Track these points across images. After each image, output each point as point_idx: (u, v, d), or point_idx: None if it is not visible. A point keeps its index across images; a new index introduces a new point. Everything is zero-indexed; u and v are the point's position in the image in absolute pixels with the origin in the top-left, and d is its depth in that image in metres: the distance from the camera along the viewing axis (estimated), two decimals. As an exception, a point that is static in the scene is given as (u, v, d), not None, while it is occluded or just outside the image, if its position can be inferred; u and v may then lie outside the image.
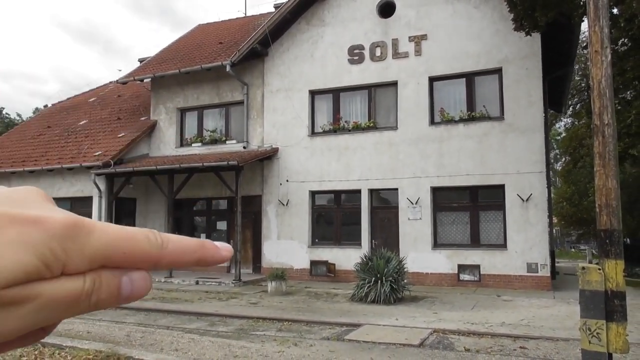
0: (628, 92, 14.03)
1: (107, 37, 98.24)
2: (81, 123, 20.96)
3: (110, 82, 25.12)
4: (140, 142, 18.58)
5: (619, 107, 13.53)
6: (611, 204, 5.14)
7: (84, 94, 25.29)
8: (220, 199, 18.14)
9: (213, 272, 16.93)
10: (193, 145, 18.39)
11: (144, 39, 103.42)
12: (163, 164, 16.09)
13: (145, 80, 19.48)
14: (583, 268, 5.26)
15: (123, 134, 18.69)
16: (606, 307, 5.06)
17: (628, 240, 25.91)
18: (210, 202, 18.51)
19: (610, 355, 5.07)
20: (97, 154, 17.54)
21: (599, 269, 5.16)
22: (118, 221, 17.57)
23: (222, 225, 18.17)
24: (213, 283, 14.89)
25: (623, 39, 12.51)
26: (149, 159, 18.11)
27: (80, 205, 17.65)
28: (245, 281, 14.93)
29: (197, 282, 15.05)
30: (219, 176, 15.46)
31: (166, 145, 18.79)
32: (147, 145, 19.00)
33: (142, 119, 19.65)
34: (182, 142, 18.83)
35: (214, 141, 18.14)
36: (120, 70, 55.87)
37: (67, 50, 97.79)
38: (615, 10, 11.94)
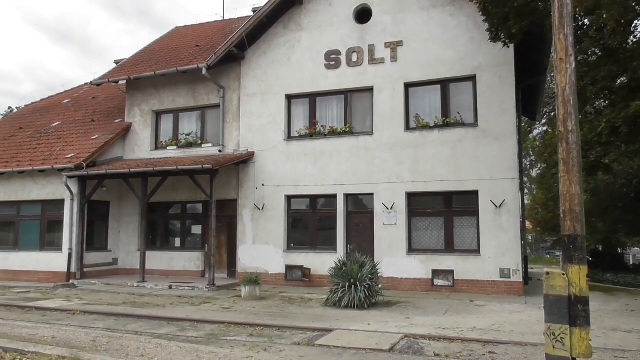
0: (599, 102, 14.20)
1: (83, 38, 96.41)
2: (54, 125, 20.56)
3: (85, 84, 24.71)
4: (114, 144, 18.29)
5: (592, 116, 13.70)
6: (575, 209, 5.19)
7: (58, 95, 24.84)
8: (195, 203, 17.94)
9: (187, 277, 16.72)
10: (168, 148, 18.17)
11: (121, 40, 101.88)
12: (137, 167, 15.85)
13: (120, 82, 19.22)
14: (547, 273, 5.31)
15: (97, 136, 18.38)
16: (569, 312, 5.10)
17: (600, 247, 26.13)
18: (185, 206, 18.29)
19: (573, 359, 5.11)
20: (69, 156, 17.21)
21: (563, 274, 5.20)
22: (90, 225, 17.32)
23: (197, 229, 17.97)
24: (186, 288, 14.70)
25: (594, 49, 12.67)
26: (122, 162, 17.84)
27: (51, 208, 17.27)
28: (220, 286, 14.78)
29: (170, 287, 14.83)
30: (193, 180, 15.30)
31: (141, 148, 18.54)
32: (122, 147, 18.72)
33: (117, 121, 19.36)
34: (157, 145, 18.60)
35: (190, 144, 17.96)
36: (95, 72, 55.10)
37: (42, 50, 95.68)
38: (586, 21, 12.13)
